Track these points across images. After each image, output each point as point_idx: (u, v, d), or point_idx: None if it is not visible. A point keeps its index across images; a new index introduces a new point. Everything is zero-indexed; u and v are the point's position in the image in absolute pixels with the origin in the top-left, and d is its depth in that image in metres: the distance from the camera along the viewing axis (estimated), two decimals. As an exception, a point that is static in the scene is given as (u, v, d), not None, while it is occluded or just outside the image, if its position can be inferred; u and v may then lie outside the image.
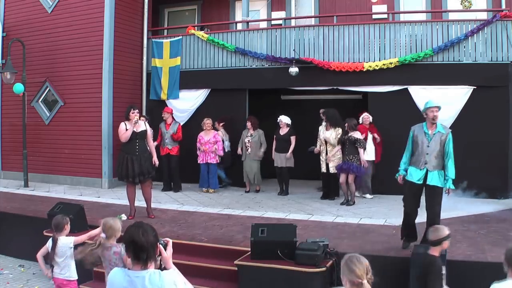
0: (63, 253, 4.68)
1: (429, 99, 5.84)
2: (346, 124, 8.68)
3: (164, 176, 10.13)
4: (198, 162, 9.99)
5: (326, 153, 9.01)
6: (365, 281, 2.64)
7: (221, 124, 10.38)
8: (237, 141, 10.16)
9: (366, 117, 9.26)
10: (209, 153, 9.89)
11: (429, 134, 5.54)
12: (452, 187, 5.50)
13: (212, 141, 9.87)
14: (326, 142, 9.01)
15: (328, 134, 8.95)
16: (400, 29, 9.64)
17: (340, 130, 8.88)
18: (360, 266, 2.67)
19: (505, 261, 3.09)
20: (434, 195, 5.50)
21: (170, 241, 2.68)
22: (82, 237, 4.87)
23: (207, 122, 9.95)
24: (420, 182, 5.53)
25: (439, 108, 5.55)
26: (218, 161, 10.00)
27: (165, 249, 2.63)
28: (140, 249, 2.44)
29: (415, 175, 5.57)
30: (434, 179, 5.47)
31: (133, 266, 2.50)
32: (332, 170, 8.89)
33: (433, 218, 5.46)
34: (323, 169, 9.10)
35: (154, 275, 2.44)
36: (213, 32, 11.22)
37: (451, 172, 5.45)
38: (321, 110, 9.28)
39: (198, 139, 9.99)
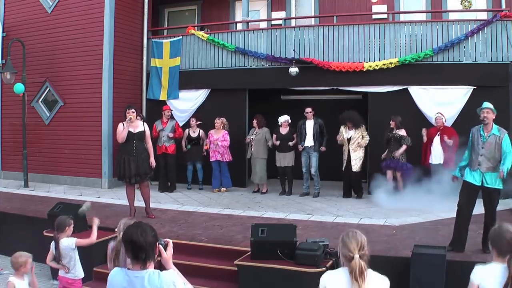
0: (66, 254, 4.67)
1: (485, 101, 5.86)
2: (392, 122, 8.70)
3: (161, 175, 10.13)
4: (210, 160, 10.03)
5: (349, 153, 9.04)
6: (356, 255, 2.63)
7: (197, 122, 10.37)
8: (238, 140, 10.16)
9: (438, 118, 8.75)
10: (219, 152, 9.93)
11: (484, 136, 5.61)
12: (505, 171, 5.39)
13: (220, 140, 9.91)
14: (348, 141, 9.05)
15: (352, 133, 9.05)
16: (400, 29, 9.64)
17: (364, 128, 9.06)
18: (354, 240, 2.67)
19: (490, 242, 3.08)
20: (491, 198, 5.56)
21: (170, 242, 2.67)
22: (86, 241, 4.85)
23: (217, 122, 10.00)
24: (478, 183, 5.55)
25: (492, 110, 5.62)
26: (230, 160, 10.02)
27: (165, 250, 2.63)
28: (139, 249, 2.44)
29: (470, 176, 5.62)
30: (491, 181, 5.50)
31: (132, 266, 2.49)
32: (355, 168, 8.93)
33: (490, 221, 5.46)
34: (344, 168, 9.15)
35: (153, 275, 2.44)
36: (213, 32, 11.22)
37: (508, 163, 5.39)
38: (345, 118, 9.16)
39: (208, 136, 10.08)
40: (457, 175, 5.90)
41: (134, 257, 2.46)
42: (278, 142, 9.61)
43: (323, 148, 9.32)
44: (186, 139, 10.32)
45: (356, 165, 8.98)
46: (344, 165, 9.15)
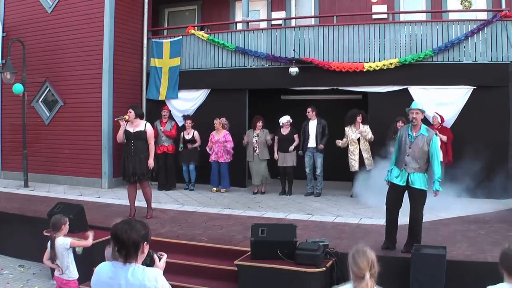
0: (61, 253, 4.67)
1: (414, 101, 5.89)
2: (402, 123, 8.70)
3: (160, 174, 10.14)
4: (209, 160, 10.04)
5: (360, 153, 9.09)
6: (367, 275, 2.63)
7: (187, 122, 10.35)
8: (238, 140, 10.16)
9: (434, 118, 8.79)
10: (220, 152, 9.94)
11: (412, 136, 5.58)
12: (440, 189, 5.47)
13: (222, 141, 9.92)
14: (358, 141, 9.11)
15: (363, 128, 9.11)
16: (400, 29, 9.64)
17: (367, 126, 9.16)
18: (365, 260, 2.66)
19: (500, 263, 3.04)
20: (415, 199, 5.51)
21: (165, 256, 2.78)
22: (81, 243, 4.85)
23: (216, 122, 10.01)
24: (403, 184, 5.54)
25: (421, 111, 5.58)
26: (230, 160, 10.03)
27: (159, 261, 2.72)
28: (121, 244, 2.51)
29: (395, 177, 5.62)
30: (417, 182, 5.48)
31: (118, 259, 2.56)
32: (370, 167, 8.92)
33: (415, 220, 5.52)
34: (355, 168, 9.13)
35: (137, 269, 2.52)
36: (213, 32, 11.22)
37: (438, 173, 5.43)
38: (356, 112, 9.25)
39: (210, 138, 10.08)
40: (387, 179, 5.80)
41: (118, 250, 2.53)
42: (270, 141, 9.73)
43: (321, 146, 9.31)
44: (182, 142, 10.32)
45: (370, 164, 8.98)
46: (357, 165, 9.11)
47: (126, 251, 2.51)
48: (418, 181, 5.47)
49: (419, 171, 5.48)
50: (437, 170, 5.43)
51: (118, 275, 2.52)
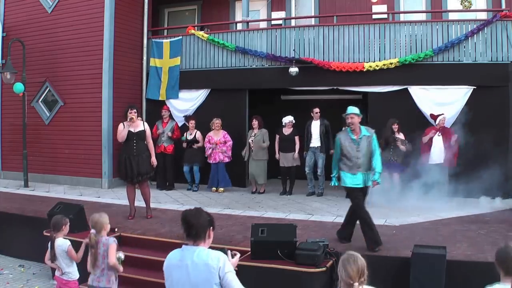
0: (59, 254, 4.67)
1: (349, 106, 6.03)
2: (397, 125, 8.76)
3: (159, 174, 10.13)
4: (209, 162, 10.03)
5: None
6: (356, 284, 2.63)
7: (191, 122, 10.36)
8: (238, 140, 10.16)
9: (443, 120, 8.70)
10: (219, 153, 9.93)
11: (355, 140, 5.80)
12: (379, 180, 5.81)
13: (222, 141, 9.91)
14: None
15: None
16: (400, 29, 9.64)
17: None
18: (354, 267, 2.66)
19: (496, 262, 3.01)
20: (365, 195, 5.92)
21: (238, 254, 3.17)
22: (73, 255, 4.73)
23: (217, 122, 9.98)
24: (362, 185, 5.82)
25: (357, 115, 5.82)
26: (230, 159, 10.03)
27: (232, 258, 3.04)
28: (191, 227, 2.79)
29: (352, 181, 5.81)
30: (369, 181, 5.80)
31: (186, 241, 2.85)
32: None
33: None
34: None
35: (203, 251, 2.78)
36: (213, 32, 11.21)
37: (379, 166, 5.78)
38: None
39: (207, 139, 10.03)
40: (335, 184, 6.09)
41: (187, 234, 2.81)
42: (265, 145, 9.74)
43: (332, 151, 9.28)
44: (185, 142, 10.32)
45: None
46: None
47: (196, 232, 2.78)
48: (369, 179, 5.80)
49: (369, 169, 5.81)
50: (380, 164, 5.80)
51: (185, 257, 2.77)
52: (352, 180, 5.78)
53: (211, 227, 2.89)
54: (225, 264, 2.74)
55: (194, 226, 2.79)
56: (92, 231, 4.41)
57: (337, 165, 5.97)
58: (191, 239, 2.81)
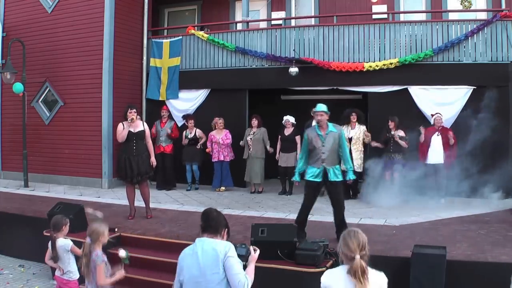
0: (61, 254, 4.67)
1: (318, 104, 6.22)
2: (391, 122, 8.76)
3: (159, 174, 10.14)
4: (212, 160, 10.05)
5: (350, 153, 9.06)
6: (357, 256, 2.62)
7: (190, 121, 10.36)
8: (238, 140, 10.16)
9: (438, 118, 8.67)
10: (223, 151, 9.97)
11: (322, 135, 6.04)
12: (353, 177, 6.26)
13: (224, 139, 9.97)
14: (350, 141, 9.03)
15: (353, 132, 9.10)
16: (400, 29, 9.64)
17: (364, 127, 9.15)
18: (355, 241, 2.67)
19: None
20: (336, 190, 6.12)
21: (258, 250, 3.29)
22: (77, 251, 4.67)
23: (220, 121, 9.99)
24: (320, 180, 6.06)
25: (325, 112, 6.07)
26: (233, 158, 10.06)
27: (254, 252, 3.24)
28: (209, 221, 3.12)
29: (312, 175, 6.07)
30: (334, 175, 6.04)
31: (202, 234, 3.12)
32: (357, 168, 8.83)
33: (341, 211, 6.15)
34: None
35: (213, 241, 3.06)
36: (213, 32, 11.22)
37: (349, 163, 6.21)
38: (350, 111, 9.25)
39: (209, 138, 10.06)
40: (297, 180, 6.34)
41: (205, 226, 3.12)
42: (271, 150, 9.79)
43: None
44: (186, 138, 10.35)
45: (358, 165, 8.95)
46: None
47: (214, 225, 3.10)
48: (334, 173, 6.04)
49: (334, 164, 6.08)
50: (349, 160, 6.21)
51: (197, 246, 3.07)
52: (313, 173, 6.05)
53: (227, 229, 3.19)
54: (231, 250, 3.02)
55: (214, 220, 3.12)
56: (88, 239, 4.17)
57: (302, 161, 6.25)
58: (208, 233, 3.09)
